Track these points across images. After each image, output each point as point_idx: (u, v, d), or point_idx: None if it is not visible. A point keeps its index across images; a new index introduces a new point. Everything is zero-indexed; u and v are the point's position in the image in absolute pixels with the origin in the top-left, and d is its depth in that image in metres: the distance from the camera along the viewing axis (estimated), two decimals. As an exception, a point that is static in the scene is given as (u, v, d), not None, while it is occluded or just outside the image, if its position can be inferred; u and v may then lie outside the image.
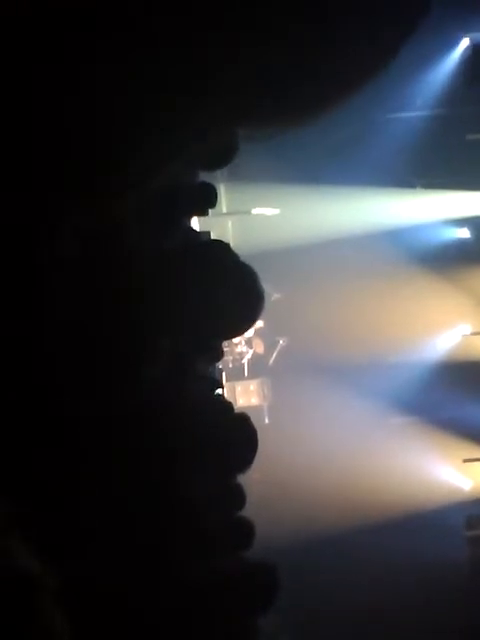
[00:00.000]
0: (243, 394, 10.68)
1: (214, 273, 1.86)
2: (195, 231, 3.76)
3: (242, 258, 2.01)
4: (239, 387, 10.70)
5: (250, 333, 10.55)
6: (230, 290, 1.85)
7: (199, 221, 5.93)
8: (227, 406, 2.79)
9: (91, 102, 1.10)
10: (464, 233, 11.06)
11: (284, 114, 1.11)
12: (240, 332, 2.06)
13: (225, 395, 8.64)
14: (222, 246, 1.99)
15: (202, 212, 3.59)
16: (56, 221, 1.38)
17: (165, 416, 2.15)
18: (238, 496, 2.83)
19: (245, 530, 2.77)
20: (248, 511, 2.94)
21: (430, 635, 8.65)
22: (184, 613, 1.96)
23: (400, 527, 9.47)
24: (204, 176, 3.34)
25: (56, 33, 1.01)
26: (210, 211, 3.65)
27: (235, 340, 10.46)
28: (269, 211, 10.54)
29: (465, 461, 10.51)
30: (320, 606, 8.47)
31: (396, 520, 9.55)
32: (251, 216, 10.52)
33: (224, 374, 9.63)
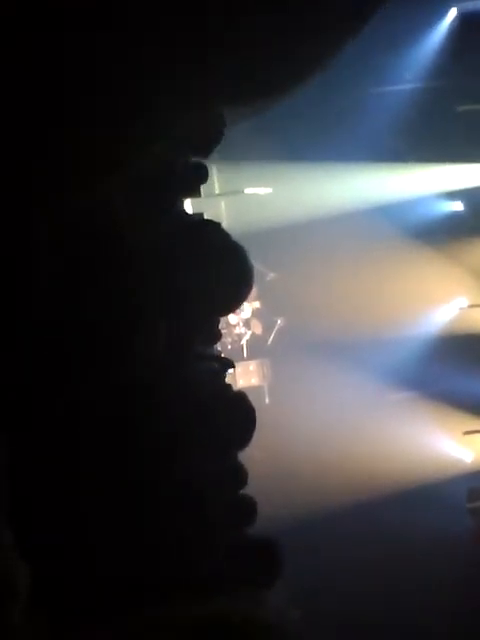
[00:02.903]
0: (243, 375, 10.71)
1: (204, 253, 1.87)
2: (187, 213, 3.74)
3: (236, 238, 2.02)
4: (239, 368, 10.71)
5: (248, 314, 10.56)
6: (220, 269, 1.86)
7: (192, 202, 5.91)
8: (225, 385, 2.80)
9: (78, 85, 1.09)
10: (457, 206, 11.03)
11: (262, 91, 1.12)
12: (231, 310, 2.07)
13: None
14: (212, 226, 1.99)
15: (194, 193, 3.57)
16: (47, 204, 1.38)
17: (164, 397, 2.16)
18: (240, 475, 2.85)
19: (248, 508, 2.79)
20: (251, 489, 2.96)
21: (434, 608, 8.74)
22: (189, 588, 1.98)
23: (403, 501, 9.53)
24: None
25: (51, 27, 1.01)
26: (202, 192, 3.63)
27: (233, 321, 10.46)
28: (262, 190, 10.50)
29: (466, 433, 10.56)
30: (323, 581, 8.54)
31: (398, 494, 9.61)
32: (244, 196, 10.48)
33: (222, 356, 9.62)
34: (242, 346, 10.72)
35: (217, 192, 10.30)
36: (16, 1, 1.04)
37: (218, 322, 3.18)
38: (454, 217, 10.98)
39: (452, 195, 10.92)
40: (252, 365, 10.84)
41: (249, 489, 2.94)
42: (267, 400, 10.69)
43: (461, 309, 11.04)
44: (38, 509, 1.60)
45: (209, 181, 3.51)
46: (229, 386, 2.98)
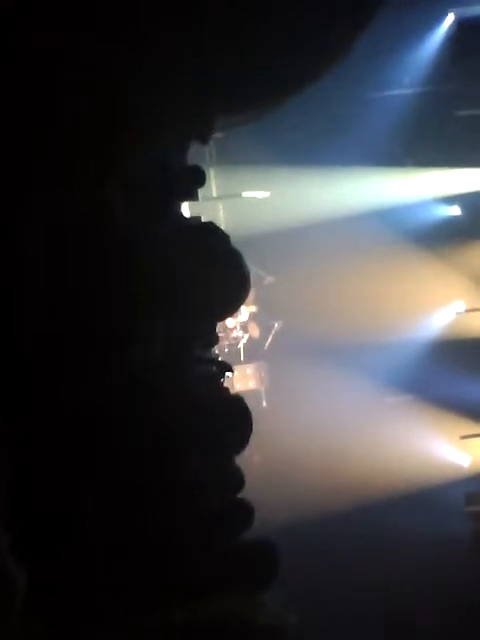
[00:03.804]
0: (240, 379, 10.70)
1: (201, 256, 1.87)
2: (184, 216, 3.75)
3: (234, 242, 2.02)
4: (236, 372, 10.70)
5: (245, 317, 10.56)
6: (217, 273, 1.86)
7: (189, 205, 5.92)
8: (222, 389, 2.80)
9: (74, 85, 1.09)
10: (455, 210, 11.05)
11: (261, 94, 1.12)
12: (228, 314, 2.07)
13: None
14: (209, 229, 2.00)
15: (192, 196, 3.57)
16: (44, 205, 1.38)
17: (161, 400, 2.16)
18: (237, 478, 2.85)
19: (245, 511, 2.80)
20: (249, 493, 2.96)
21: (432, 611, 8.73)
22: (186, 591, 1.98)
23: (400, 505, 9.53)
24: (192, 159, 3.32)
25: (48, 27, 1.01)
26: (200, 195, 3.63)
27: (230, 325, 10.46)
28: (260, 194, 10.51)
29: (463, 437, 10.56)
30: (321, 585, 8.53)
31: (396, 498, 9.61)
32: (242, 199, 10.49)
33: (220, 359, 9.61)
34: (239, 349, 10.72)
35: (215, 195, 10.30)
36: (14, 1, 1.04)
37: (215, 326, 3.19)
38: (452, 222, 11.00)
39: (450, 200, 10.94)
40: (249, 369, 10.84)
41: (246, 492, 2.94)
42: (264, 404, 10.69)
43: (458, 313, 11.05)
44: (35, 511, 1.60)
45: (207, 184, 3.51)
46: (226, 389, 2.99)
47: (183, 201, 3.83)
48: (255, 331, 10.80)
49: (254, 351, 10.87)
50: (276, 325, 10.85)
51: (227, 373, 3.53)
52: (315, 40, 1.09)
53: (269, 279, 10.39)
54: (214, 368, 3.35)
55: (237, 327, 10.61)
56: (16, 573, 1.15)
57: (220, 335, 9.02)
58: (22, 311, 1.47)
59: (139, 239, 1.86)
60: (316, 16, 1.07)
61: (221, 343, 10.03)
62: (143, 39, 1.06)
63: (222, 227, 2.13)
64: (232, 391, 2.80)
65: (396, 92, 10.32)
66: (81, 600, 1.65)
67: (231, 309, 2.03)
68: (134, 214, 1.86)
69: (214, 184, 10.15)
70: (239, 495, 2.90)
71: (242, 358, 10.74)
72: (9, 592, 1.12)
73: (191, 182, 3.33)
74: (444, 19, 10.10)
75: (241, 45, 1.08)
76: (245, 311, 10.38)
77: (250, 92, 1.15)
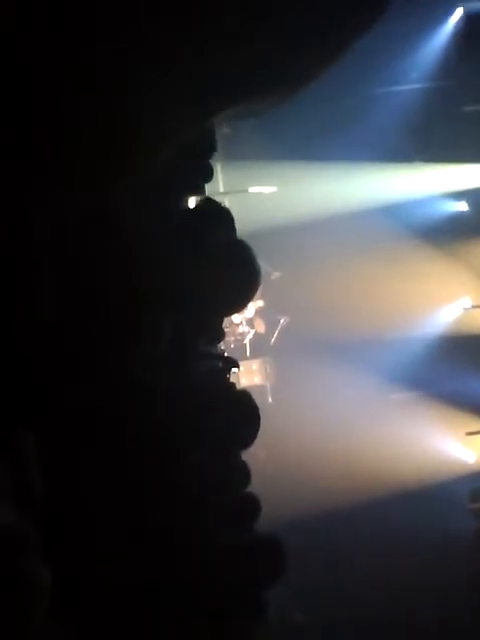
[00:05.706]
0: (246, 374, 10.70)
1: (209, 253, 1.87)
2: (192, 211, 3.74)
3: (240, 237, 2.02)
4: (241, 367, 10.70)
5: (251, 313, 10.55)
6: (226, 269, 1.85)
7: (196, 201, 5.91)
8: (229, 384, 2.80)
9: (89, 89, 1.09)
10: (462, 206, 11.02)
11: (262, 94, 1.12)
12: (236, 310, 2.07)
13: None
14: (216, 223, 1.99)
15: (199, 192, 3.57)
16: (50, 204, 1.38)
17: (168, 396, 2.16)
18: (243, 473, 2.85)
19: (250, 506, 2.80)
20: (255, 489, 2.97)
21: (435, 608, 8.73)
22: (193, 586, 1.98)
23: (405, 501, 9.52)
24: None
25: (53, 28, 1.01)
26: (207, 190, 3.63)
27: (236, 320, 10.46)
28: (266, 189, 10.49)
29: (468, 434, 10.55)
30: (325, 581, 8.54)
31: (401, 494, 9.60)
32: (248, 195, 10.47)
33: (226, 355, 9.60)
34: (245, 345, 10.71)
35: (222, 191, 10.28)
36: (14, 2, 1.04)
37: (222, 321, 3.19)
38: (459, 217, 10.97)
39: (457, 195, 10.91)
40: (255, 364, 10.84)
41: (254, 488, 2.95)
42: (270, 399, 10.68)
43: (465, 309, 11.03)
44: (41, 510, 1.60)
45: (214, 179, 3.51)
46: (233, 385, 2.99)
47: (190, 196, 3.82)
48: (261, 326, 10.79)
49: (260, 346, 10.87)
50: (282, 321, 10.84)
51: (233, 369, 3.52)
52: (315, 40, 1.09)
53: (276, 274, 10.38)
54: (220, 364, 3.35)
55: (243, 322, 10.60)
56: (41, 572, 1.15)
57: (226, 330, 9.02)
58: (27, 311, 1.47)
59: (144, 239, 1.86)
60: (316, 16, 1.07)
61: (227, 338, 10.03)
62: (143, 39, 1.05)
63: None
64: (237, 386, 2.80)
65: (404, 87, 10.29)
66: (81, 599, 1.65)
67: (240, 305, 2.03)
68: (139, 213, 1.86)
69: (221, 179, 10.13)
70: (245, 490, 2.90)
71: (248, 353, 10.73)
72: (38, 589, 1.12)
73: (198, 177, 3.33)
74: (453, 13, 10.05)
75: (241, 45, 1.08)
76: (251, 306, 10.37)
77: (250, 92, 1.14)
